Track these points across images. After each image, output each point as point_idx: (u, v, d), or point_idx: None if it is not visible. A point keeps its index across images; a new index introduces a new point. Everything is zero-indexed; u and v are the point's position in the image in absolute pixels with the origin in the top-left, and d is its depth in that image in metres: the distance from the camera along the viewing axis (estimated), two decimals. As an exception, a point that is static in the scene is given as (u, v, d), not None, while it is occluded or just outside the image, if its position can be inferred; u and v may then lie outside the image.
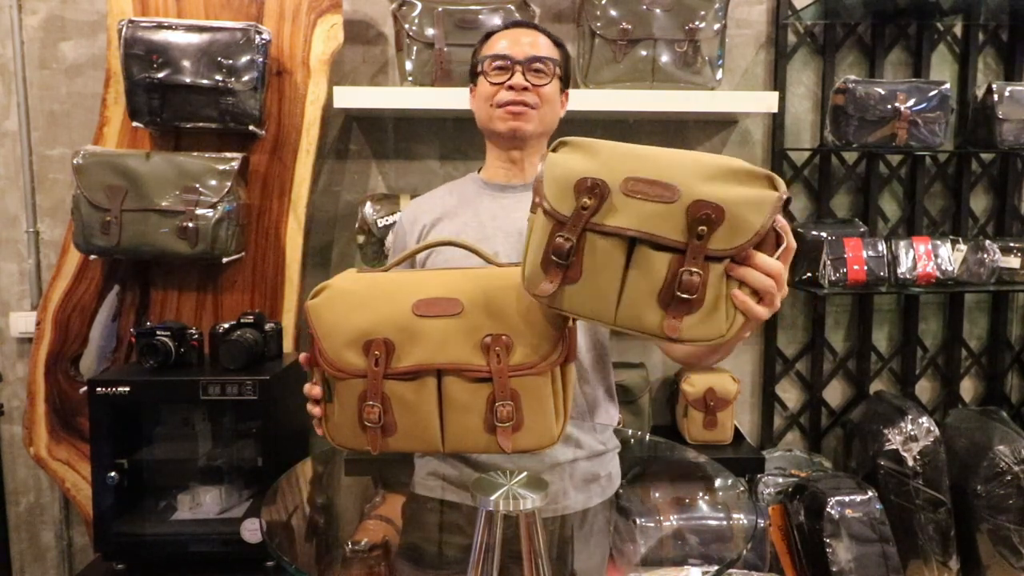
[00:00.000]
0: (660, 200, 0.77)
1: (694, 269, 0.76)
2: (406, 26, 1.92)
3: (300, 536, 1.14)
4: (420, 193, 1.53)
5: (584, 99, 1.91)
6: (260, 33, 1.85)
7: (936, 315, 2.40)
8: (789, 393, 2.38)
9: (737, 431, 2.16)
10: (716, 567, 0.95)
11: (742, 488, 1.23)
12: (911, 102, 2.09)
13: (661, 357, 2.31)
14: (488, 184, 1.38)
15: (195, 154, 1.90)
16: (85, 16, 2.09)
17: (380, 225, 1.97)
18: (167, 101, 1.85)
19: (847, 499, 2.01)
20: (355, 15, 2.13)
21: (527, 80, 1.28)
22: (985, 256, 2.18)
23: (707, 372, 2.12)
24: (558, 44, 1.36)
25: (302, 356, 0.95)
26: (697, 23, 1.96)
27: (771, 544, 2.08)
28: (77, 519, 2.22)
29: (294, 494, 1.23)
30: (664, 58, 1.97)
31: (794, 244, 0.81)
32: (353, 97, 1.92)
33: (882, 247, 2.14)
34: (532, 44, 1.30)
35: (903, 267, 2.15)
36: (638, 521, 1.27)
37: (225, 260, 1.89)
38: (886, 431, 2.11)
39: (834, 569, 1.96)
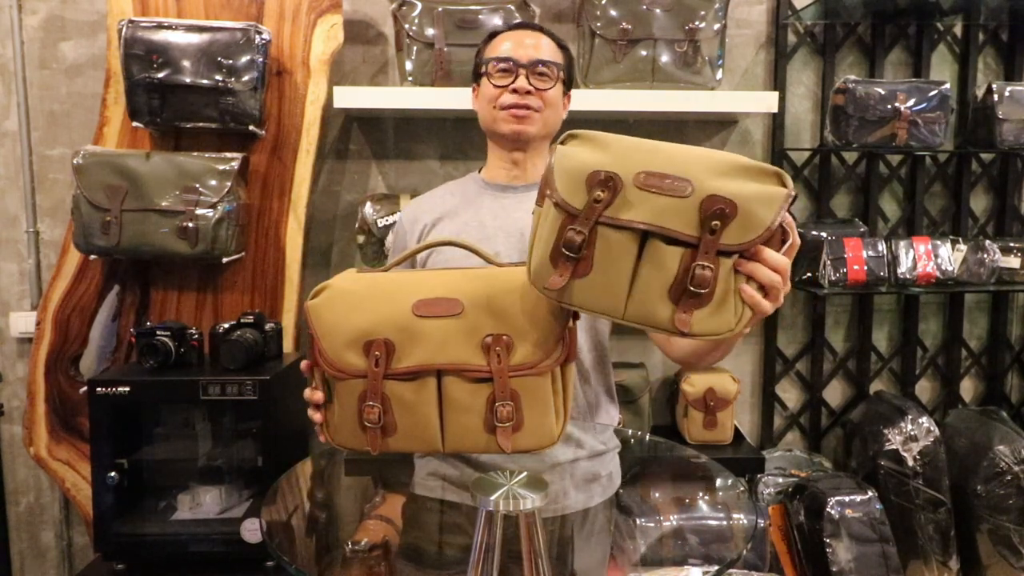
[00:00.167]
0: (674, 194, 0.77)
1: (706, 264, 0.77)
2: (406, 26, 1.92)
3: (300, 536, 1.14)
4: (420, 193, 1.53)
5: (584, 99, 1.91)
6: (260, 33, 1.85)
7: (936, 315, 2.40)
8: (789, 393, 2.38)
9: (737, 431, 2.16)
10: (716, 567, 0.95)
11: (742, 488, 1.22)
12: (911, 102, 2.09)
13: (661, 357, 2.31)
14: (489, 184, 1.38)
15: (195, 154, 1.90)
16: (85, 16, 2.09)
17: (380, 225, 1.97)
18: (167, 101, 1.85)
19: (847, 499, 2.01)
20: (355, 15, 2.13)
21: (531, 83, 1.28)
22: (985, 256, 2.18)
23: (707, 372, 2.12)
24: (561, 46, 1.36)
25: (303, 363, 0.95)
26: (697, 23, 1.96)
27: (771, 544, 2.08)
28: (77, 519, 2.22)
29: (294, 494, 1.23)
30: (664, 58, 1.97)
31: (799, 240, 0.82)
32: (353, 97, 1.92)
33: (882, 247, 2.14)
34: (536, 47, 1.30)
35: (903, 267, 2.15)
36: (638, 521, 1.27)
37: (225, 260, 1.89)
38: (886, 431, 2.11)
39: (834, 569, 1.96)
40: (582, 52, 2.01)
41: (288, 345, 1.98)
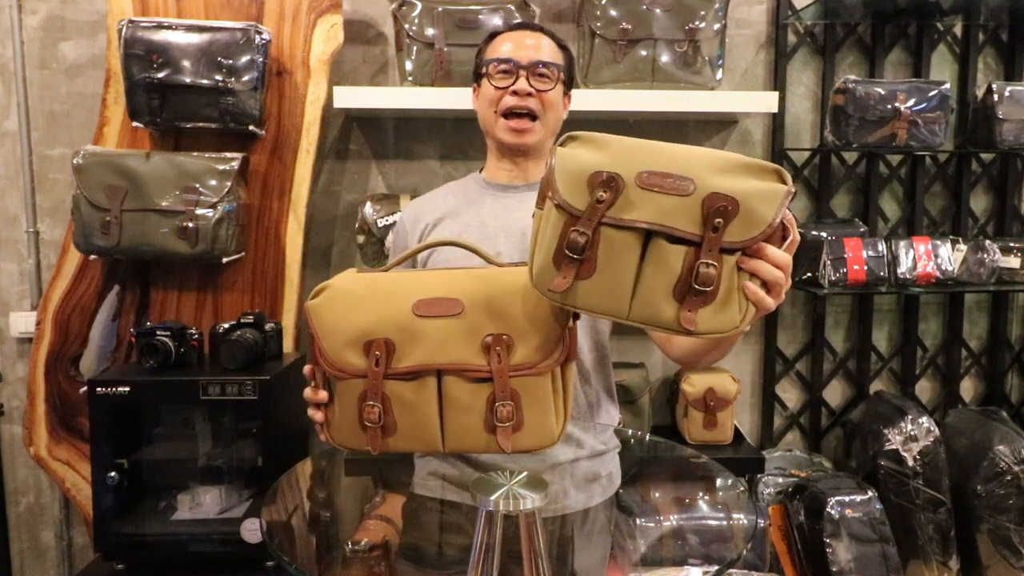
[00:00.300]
0: (676, 193, 0.77)
1: (710, 261, 0.77)
2: (406, 26, 1.92)
3: (300, 536, 1.14)
4: (420, 193, 1.53)
5: (584, 99, 1.91)
6: (260, 33, 1.85)
7: (936, 315, 2.40)
8: (789, 393, 2.38)
9: (737, 431, 2.16)
10: (716, 567, 0.95)
11: (742, 488, 1.22)
12: (911, 102, 2.09)
13: (661, 357, 2.31)
14: (490, 184, 1.38)
15: (195, 154, 1.90)
16: (85, 16, 2.09)
17: (380, 225, 1.97)
18: (167, 101, 1.85)
19: (847, 499, 2.01)
20: (355, 15, 2.13)
21: (531, 85, 1.28)
22: (985, 256, 2.18)
23: (707, 372, 2.12)
24: (562, 47, 1.35)
25: (306, 368, 0.95)
26: (697, 23, 1.96)
27: (771, 544, 2.08)
28: (77, 519, 2.22)
29: (294, 494, 1.23)
30: (664, 58, 1.97)
31: (799, 237, 0.82)
32: (353, 97, 1.92)
33: (882, 247, 2.14)
34: (536, 48, 1.30)
35: (903, 267, 2.15)
36: (638, 521, 1.27)
37: (225, 260, 1.89)
38: (886, 431, 2.11)
39: (834, 569, 1.96)
40: (582, 52, 2.01)
41: (288, 345, 1.98)
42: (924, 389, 2.42)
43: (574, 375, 0.96)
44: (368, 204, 2.00)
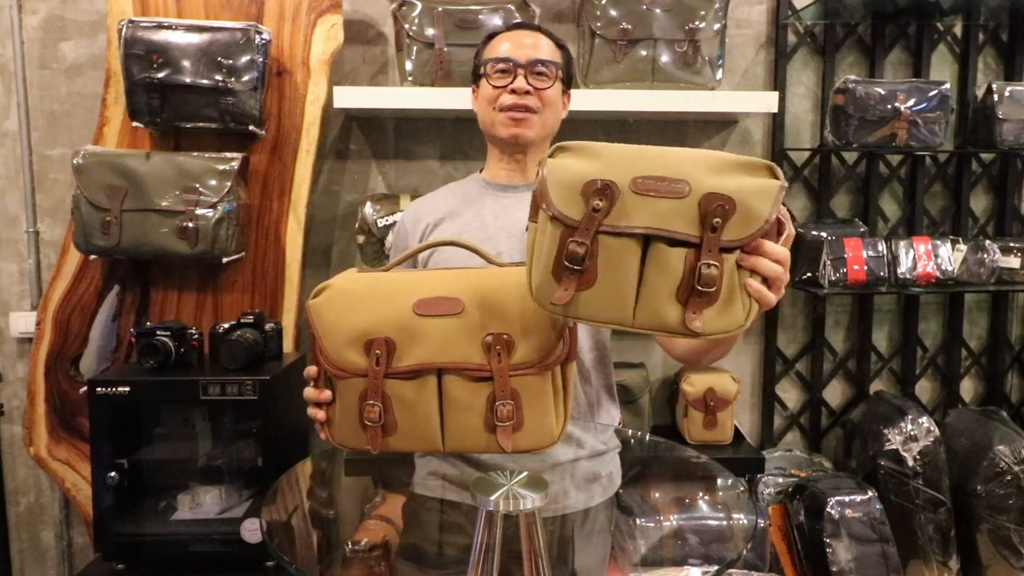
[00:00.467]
0: (672, 196, 0.77)
1: (711, 262, 0.77)
2: (406, 26, 1.92)
3: (300, 536, 1.14)
4: (420, 193, 1.53)
5: (584, 99, 1.91)
6: (260, 33, 1.85)
7: (936, 315, 2.40)
8: (789, 393, 2.38)
9: (737, 431, 2.16)
10: (716, 567, 0.95)
11: (742, 488, 1.22)
12: (911, 102, 2.09)
13: (661, 357, 2.31)
14: (491, 184, 1.38)
15: (195, 154, 1.90)
16: (85, 16, 2.09)
17: (380, 225, 1.97)
18: (167, 101, 1.85)
19: (847, 499, 2.01)
20: (355, 15, 2.13)
21: (529, 83, 1.28)
22: (985, 256, 2.18)
23: (707, 372, 2.12)
24: (560, 46, 1.36)
25: (310, 369, 0.95)
26: (697, 23, 1.96)
27: (771, 544, 2.08)
28: (77, 519, 2.22)
29: (294, 494, 1.23)
30: (664, 58, 1.97)
31: (794, 231, 0.82)
32: (353, 97, 1.92)
33: (882, 247, 2.14)
34: (534, 46, 1.31)
35: (903, 267, 2.15)
36: (638, 521, 1.27)
37: (225, 260, 1.89)
38: (886, 431, 2.11)
39: (834, 569, 1.96)
40: (582, 52, 2.01)
41: (288, 345, 1.98)
42: (924, 389, 2.42)
43: (574, 375, 0.96)
44: (368, 204, 2.00)
